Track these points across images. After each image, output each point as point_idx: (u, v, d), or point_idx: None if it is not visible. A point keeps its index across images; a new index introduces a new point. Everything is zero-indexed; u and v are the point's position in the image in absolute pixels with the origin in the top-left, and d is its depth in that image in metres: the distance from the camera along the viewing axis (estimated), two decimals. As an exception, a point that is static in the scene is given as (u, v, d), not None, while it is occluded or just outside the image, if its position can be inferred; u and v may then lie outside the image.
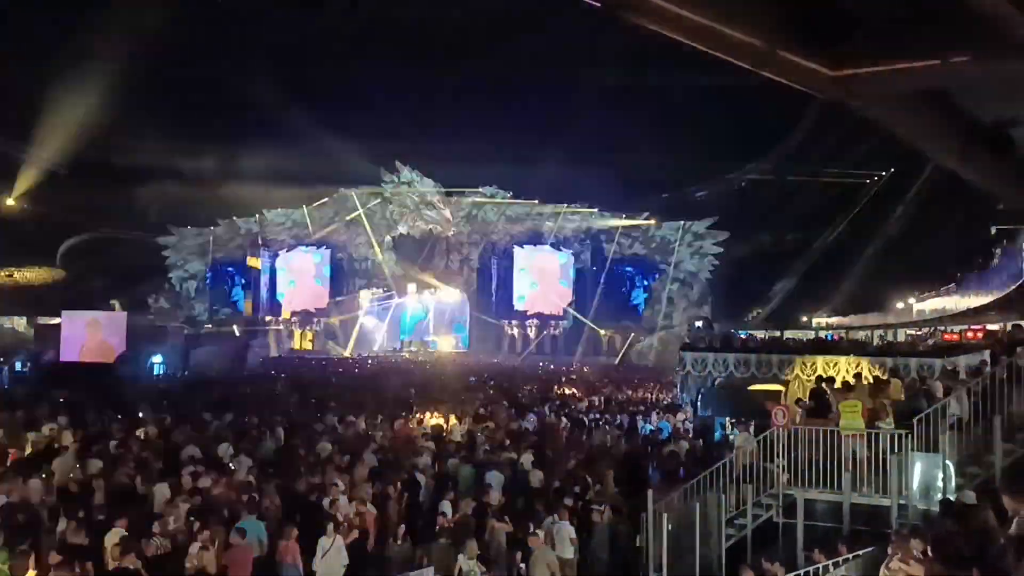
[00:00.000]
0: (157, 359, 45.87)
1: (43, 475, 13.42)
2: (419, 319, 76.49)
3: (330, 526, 11.07)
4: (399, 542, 12.18)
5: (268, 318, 77.45)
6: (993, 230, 33.43)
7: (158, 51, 63.14)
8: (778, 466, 11.87)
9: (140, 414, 22.98)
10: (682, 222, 69.47)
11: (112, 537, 10.34)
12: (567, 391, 36.27)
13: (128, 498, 13.20)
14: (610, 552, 11.87)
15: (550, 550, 10.96)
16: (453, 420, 23.07)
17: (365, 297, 77.10)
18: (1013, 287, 23.20)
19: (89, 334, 46.59)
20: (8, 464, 14.90)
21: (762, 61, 5.57)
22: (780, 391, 11.81)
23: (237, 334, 70.85)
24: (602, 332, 70.46)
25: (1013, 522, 6.77)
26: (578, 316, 70.86)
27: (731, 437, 18.31)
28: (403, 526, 12.71)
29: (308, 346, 74.40)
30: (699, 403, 26.82)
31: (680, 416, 24.53)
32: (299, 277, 78.96)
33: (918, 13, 5.29)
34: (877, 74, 5.73)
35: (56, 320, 50.56)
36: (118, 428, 19.47)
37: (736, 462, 12.22)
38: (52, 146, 62.79)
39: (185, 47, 67.25)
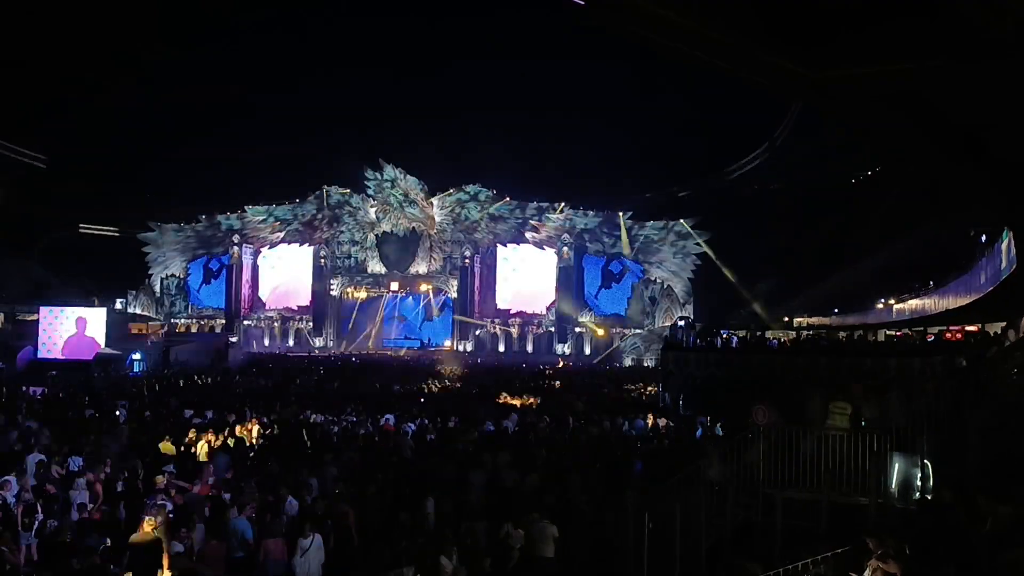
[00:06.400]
0: (137, 356, 45.53)
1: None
2: (402, 317, 76.41)
3: (308, 524, 11.03)
4: (379, 541, 12.13)
5: (250, 315, 77.07)
6: (971, 232, 33.72)
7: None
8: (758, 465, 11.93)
9: (118, 412, 22.81)
10: (665, 221, 69.66)
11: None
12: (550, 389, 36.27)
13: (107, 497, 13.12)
14: (591, 551, 11.88)
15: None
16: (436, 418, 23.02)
17: (348, 295, 76.88)
18: (991, 288, 23.41)
19: (68, 330, 46.15)
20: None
21: (742, 63, 5.60)
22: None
23: (218, 331, 70.46)
24: (585, 331, 70.57)
25: (988, 521, 6.86)
26: (561, 315, 70.91)
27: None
28: (383, 525, 12.67)
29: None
30: (681, 402, 26.94)
31: (662, 417, 24.59)
32: (281, 274, 78.63)
33: (895, 18, 5.34)
34: (855, 77, 5.78)
35: (34, 316, 50.05)
36: (96, 425, 19.32)
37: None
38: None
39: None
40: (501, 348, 71.14)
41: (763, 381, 23.48)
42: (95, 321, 47.24)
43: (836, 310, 55.19)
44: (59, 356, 44.23)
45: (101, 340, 45.78)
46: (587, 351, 68.95)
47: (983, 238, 28.81)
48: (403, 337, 75.40)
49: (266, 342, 75.23)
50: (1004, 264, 22.19)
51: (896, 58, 5.34)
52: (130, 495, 13.14)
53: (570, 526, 11.98)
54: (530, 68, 66.85)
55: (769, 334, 35.02)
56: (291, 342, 75.57)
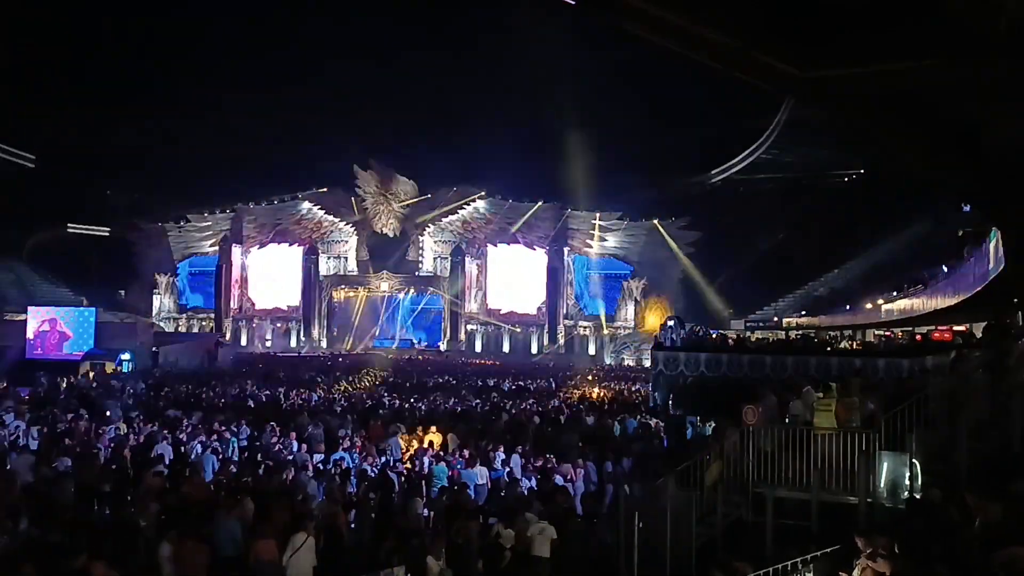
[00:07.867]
0: (126, 356, 45.27)
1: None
2: (392, 317, 76.28)
3: (305, 523, 10.96)
4: (370, 541, 12.10)
5: (240, 315, 76.77)
6: (960, 232, 33.86)
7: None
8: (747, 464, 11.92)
9: (107, 412, 22.66)
10: (655, 221, 69.76)
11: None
12: (540, 388, 36.31)
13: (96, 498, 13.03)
14: (583, 551, 11.87)
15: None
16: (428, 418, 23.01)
17: (338, 295, 76.72)
18: (979, 288, 23.51)
19: (56, 330, 45.91)
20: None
21: (736, 62, 5.60)
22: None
23: (208, 331, 70.16)
24: (575, 331, 70.61)
25: (977, 520, 6.86)
26: (551, 314, 70.91)
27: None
28: (374, 525, 12.64)
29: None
30: (671, 402, 26.92)
31: (652, 417, 24.67)
32: (272, 274, 78.32)
33: (891, 16, 5.34)
34: (849, 76, 5.78)
35: (22, 316, 49.76)
36: (85, 426, 19.19)
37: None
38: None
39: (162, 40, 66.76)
40: (491, 347, 71.06)
41: (753, 381, 23.45)
42: (86, 322, 47.05)
43: (825, 310, 55.35)
44: (36, 355, 44.07)
45: (90, 340, 45.56)
46: (577, 350, 69.02)
47: (971, 238, 28.91)
48: (392, 337, 75.28)
49: (255, 342, 74.99)
50: (992, 264, 22.27)
51: (891, 58, 5.34)
52: (117, 496, 13.05)
53: (564, 526, 11.96)
54: (524, 68, 66.80)
55: (759, 334, 35.16)
56: (280, 342, 75.36)
